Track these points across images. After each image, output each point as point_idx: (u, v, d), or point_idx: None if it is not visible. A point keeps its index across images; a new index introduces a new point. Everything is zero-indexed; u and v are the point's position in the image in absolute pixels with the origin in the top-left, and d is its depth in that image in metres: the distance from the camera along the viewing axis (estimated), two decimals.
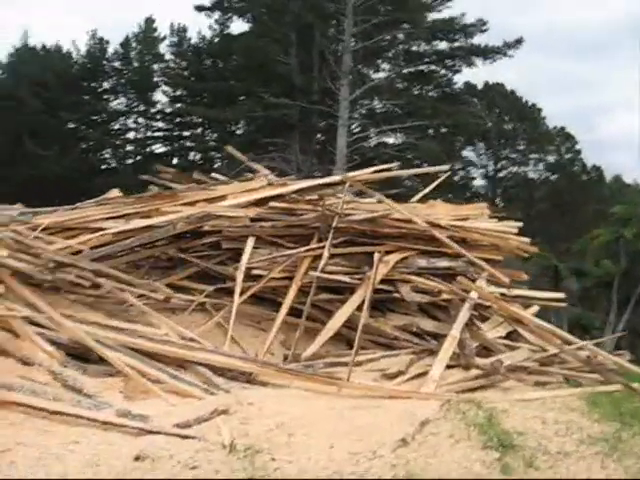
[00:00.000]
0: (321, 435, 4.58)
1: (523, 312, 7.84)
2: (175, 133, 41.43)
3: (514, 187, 46.15)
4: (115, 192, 9.11)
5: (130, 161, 41.74)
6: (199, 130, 40.39)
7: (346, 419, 4.97)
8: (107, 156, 42.68)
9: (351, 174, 9.46)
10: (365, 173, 9.35)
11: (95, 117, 40.68)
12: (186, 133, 41.12)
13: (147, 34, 39.95)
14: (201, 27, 40.18)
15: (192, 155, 41.11)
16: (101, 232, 7.76)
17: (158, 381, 5.80)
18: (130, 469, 3.99)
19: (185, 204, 8.38)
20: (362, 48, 28.93)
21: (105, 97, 41.09)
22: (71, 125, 40.12)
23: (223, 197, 8.53)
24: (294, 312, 7.61)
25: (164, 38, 39.94)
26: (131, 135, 42.66)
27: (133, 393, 5.64)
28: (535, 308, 8.52)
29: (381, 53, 31.84)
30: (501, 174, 45.57)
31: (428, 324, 7.63)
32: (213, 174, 10.27)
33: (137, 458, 4.12)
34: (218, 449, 4.32)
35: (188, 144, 41.09)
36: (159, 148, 42.02)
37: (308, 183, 9.13)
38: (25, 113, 37.36)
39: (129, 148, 42.66)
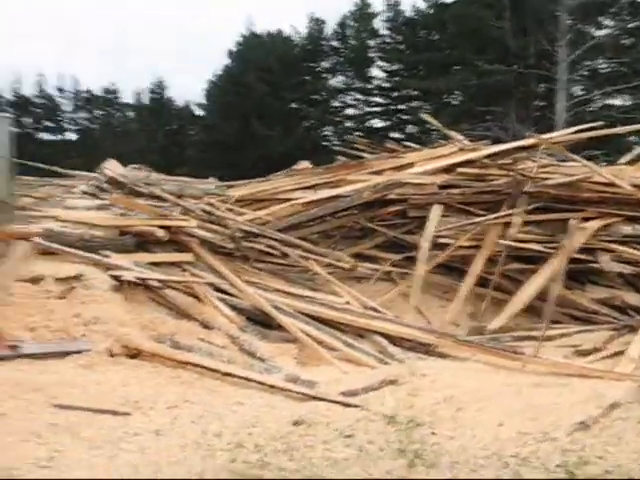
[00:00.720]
0: (492, 412, 4.28)
1: None
2: (392, 107, 41.48)
3: None
4: (305, 164, 9.27)
5: (350, 137, 42.45)
6: (415, 103, 40.12)
7: (524, 396, 4.60)
8: (328, 133, 43.86)
9: (546, 135, 8.75)
10: (563, 134, 8.63)
11: (315, 96, 41.93)
12: (402, 106, 41.04)
13: (362, 11, 40.37)
14: None
15: (409, 128, 40.95)
16: (290, 202, 7.91)
17: (333, 349, 5.81)
18: (285, 432, 3.98)
19: (372, 173, 8.30)
20: (580, 5, 26.68)
21: (324, 76, 42.19)
22: (294, 105, 41.80)
23: (411, 165, 8.32)
24: (482, 282, 7.24)
25: (378, 14, 40.11)
26: (350, 112, 43.44)
27: (307, 359, 5.69)
28: None
29: (603, 8, 29.04)
30: None
31: (633, 298, 6.85)
32: (406, 143, 10.06)
33: (295, 422, 4.12)
34: (379, 419, 4.21)
35: (405, 117, 40.98)
36: (377, 123, 42.37)
37: (500, 147, 8.60)
38: (252, 97, 39.67)
39: (348, 124, 43.39)
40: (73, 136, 67.58)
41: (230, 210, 7.72)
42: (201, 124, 49.87)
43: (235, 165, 36.44)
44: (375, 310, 6.67)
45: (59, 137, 67.60)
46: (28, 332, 5.51)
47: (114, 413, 4.11)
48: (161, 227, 6.71)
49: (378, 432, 4.00)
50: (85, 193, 7.98)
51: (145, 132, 59.98)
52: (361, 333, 6.17)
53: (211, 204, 7.61)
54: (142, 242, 6.76)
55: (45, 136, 67.47)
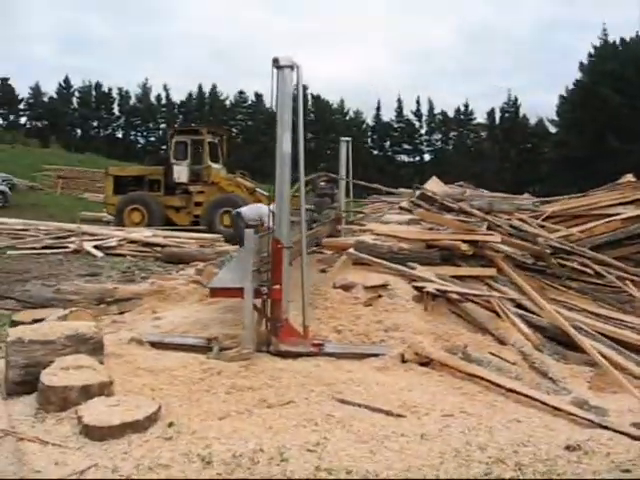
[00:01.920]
0: None
1: None
2: None
3: None
4: (629, 177, 8.57)
5: None
6: None
7: None
8: None
9: None
10: None
11: None
12: None
13: None
14: None
15: None
16: (608, 219, 7.43)
17: (635, 377, 5.35)
18: (553, 456, 3.84)
19: None
20: None
21: None
22: None
23: None
24: None
25: None
26: None
27: (603, 385, 5.32)
28: None
29: None
30: None
31: None
32: None
33: (568, 447, 3.94)
34: None
35: None
36: None
37: None
38: (606, 110, 37.55)
39: None
40: (428, 157, 71.20)
41: (542, 226, 7.51)
42: (552, 141, 48.62)
43: (587, 181, 34.83)
44: None
45: (416, 158, 71.79)
46: (335, 333, 6.06)
47: (389, 413, 4.34)
48: (466, 242, 6.81)
49: None
50: (402, 209, 8.43)
51: (498, 151, 60.56)
52: None
53: (522, 220, 7.49)
54: (448, 255, 6.93)
55: (403, 158, 72.29)
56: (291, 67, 5.46)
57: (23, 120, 72.80)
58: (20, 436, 3.62)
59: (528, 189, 30.28)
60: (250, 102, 72.20)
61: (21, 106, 72.44)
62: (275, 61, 5.40)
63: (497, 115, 66.09)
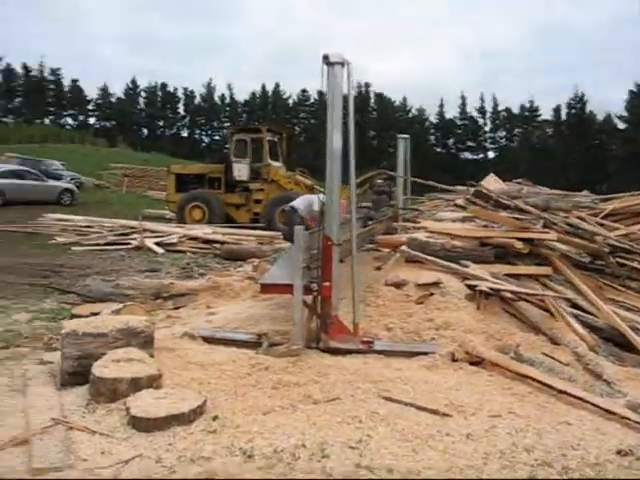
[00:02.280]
0: None
1: None
2: None
3: None
4: None
5: None
6: None
7: None
8: None
9: None
10: None
11: None
12: None
13: None
14: None
15: None
16: None
17: None
18: (603, 460, 3.75)
19: None
20: None
21: None
22: None
23: None
24: None
25: None
26: None
27: None
28: None
29: None
30: None
31: None
32: None
33: (619, 452, 3.84)
34: None
35: None
36: None
37: None
38: None
39: None
40: (492, 154, 70.42)
41: (601, 224, 7.30)
42: (621, 137, 47.34)
43: None
44: None
45: (480, 156, 71.03)
46: (385, 331, 6.02)
47: (435, 412, 4.30)
48: (521, 239, 6.67)
49: None
50: (456, 206, 8.33)
51: (564, 148, 59.33)
52: None
53: (580, 218, 7.30)
54: (502, 253, 6.82)
55: (467, 155, 71.66)
56: (342, 64, 5.45)
57: (92, 120, 75.07)
58: (70, 425, 3.73)
59: (594, 187, 29.56)
60: (313, 100, 72.61)
61: (90, 107, 74.62)
62: (325, 58, 5.40)
63: (563, 112, 64.76)
